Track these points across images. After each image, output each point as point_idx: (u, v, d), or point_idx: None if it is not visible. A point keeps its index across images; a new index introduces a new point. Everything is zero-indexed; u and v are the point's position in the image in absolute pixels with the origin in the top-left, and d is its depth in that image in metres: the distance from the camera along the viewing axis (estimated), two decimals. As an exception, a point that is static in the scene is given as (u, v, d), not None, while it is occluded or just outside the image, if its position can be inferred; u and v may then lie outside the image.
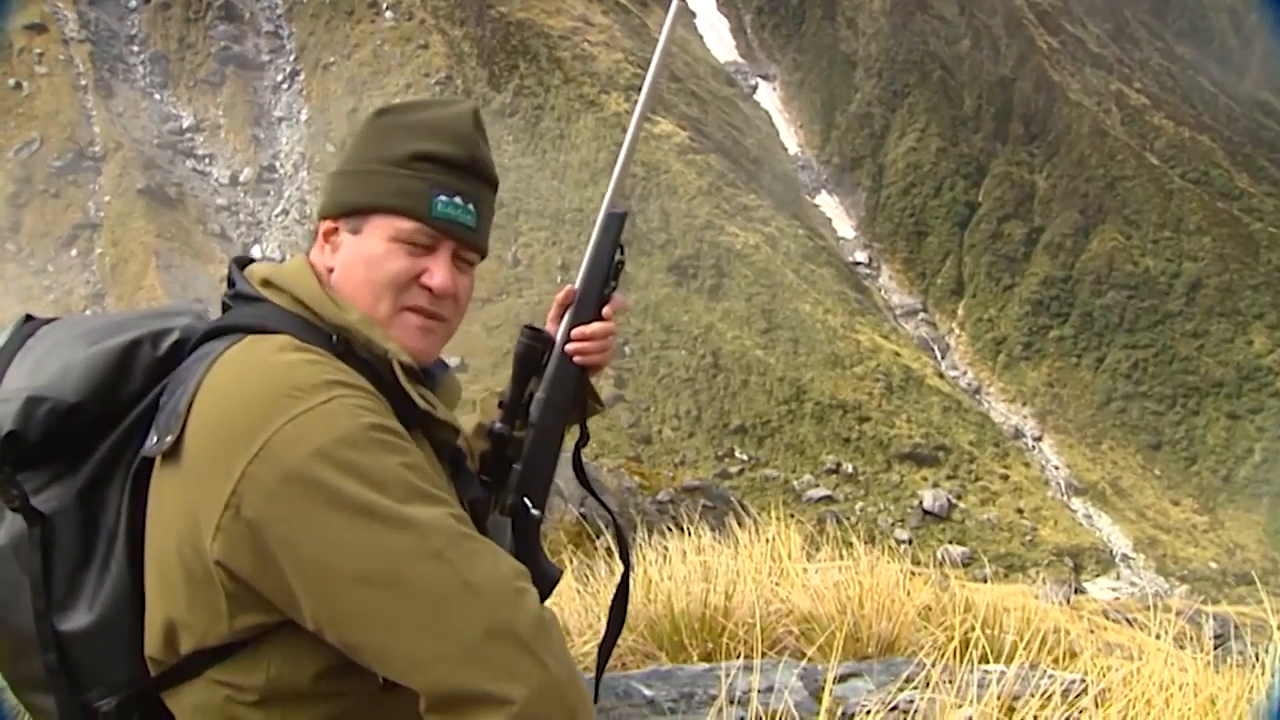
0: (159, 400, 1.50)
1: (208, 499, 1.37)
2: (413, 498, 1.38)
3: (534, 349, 1.77)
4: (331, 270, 1.60)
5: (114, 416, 1.50)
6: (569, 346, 1.78)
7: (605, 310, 1.80)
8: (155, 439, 1.44)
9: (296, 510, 1.34)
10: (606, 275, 1.80)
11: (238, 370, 1.44)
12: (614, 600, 1.91)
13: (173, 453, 1.41)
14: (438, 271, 1.60)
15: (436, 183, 1.59)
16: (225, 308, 1.61)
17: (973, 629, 2.99)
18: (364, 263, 1.58)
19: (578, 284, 1.80)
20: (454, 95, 63.62)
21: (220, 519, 1.36)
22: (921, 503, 52.04)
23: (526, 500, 1.73)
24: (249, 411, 1.38)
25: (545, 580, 1.72)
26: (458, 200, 1.60)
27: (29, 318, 1.61)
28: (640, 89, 1.92)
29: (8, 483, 1.45)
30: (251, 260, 1.64)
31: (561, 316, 1.81)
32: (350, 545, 1.34)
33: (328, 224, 1.62)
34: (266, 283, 1.57)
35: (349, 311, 1.54)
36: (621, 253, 1.82)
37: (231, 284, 1.61)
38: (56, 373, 1.49)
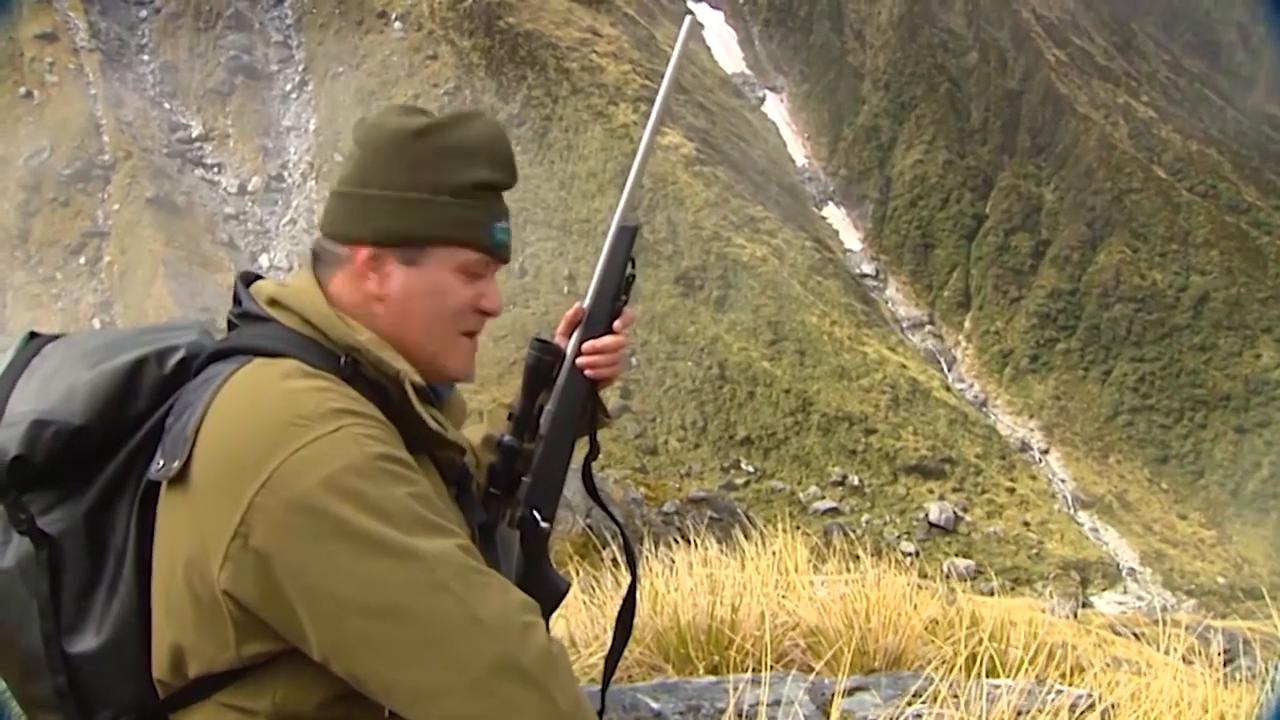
0: (165, 420, 1.49)
1: (215, 527, 1.37)
2: (419, 529, 1.37)
3: (544, 361, 1.77)
4: (379, 299, 1.57)
5: (120, 437, 1.49)
6: (580, 360, 1.77)
7: (616, 324, 1.80)
8: (161, 463, 1.43)
9: (304, 540, 1.34)
10: (618, 289, 1.80)
11: (245, 396, 1.43)
12: (620, 612, 1.91)
13: (179, 478, 1.40)
14: (492, 295, 1.62)
15: (493, 211, 1.60)
16: (230, 325, 1.59)
17: (980, 643, 2.98)
18: (429, 295, 1.58)
19: (588, 297, 1.80)
20: (465, 106, 63.80)
21: (228, 548, 1.36)
22: (927, 515, 51.94)
23: (536, 513, 1.72)
24: (257, 439, 1.38)
25: (553, 593, 1.73)
26: (506, 225, 1.62)
27: (33, 335, 1.59)
28: (652, 101, 1.94)
29: (15, 506, 1.45)
30: (258, 276, 1.63)
31: (570, 332, 1.80)
32: (356, 576, 1.33)
33: (371, 250, 1.57)
34: (273, 301, 1.55)
35: (359, 332, 1.53)
36: (633, 266, 1.81)
37: (238, 302, 1.59)
38: (62, 395, 1.48)
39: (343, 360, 1.50)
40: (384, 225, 1.56)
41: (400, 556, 1.34)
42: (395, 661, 1.33)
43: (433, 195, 1.56)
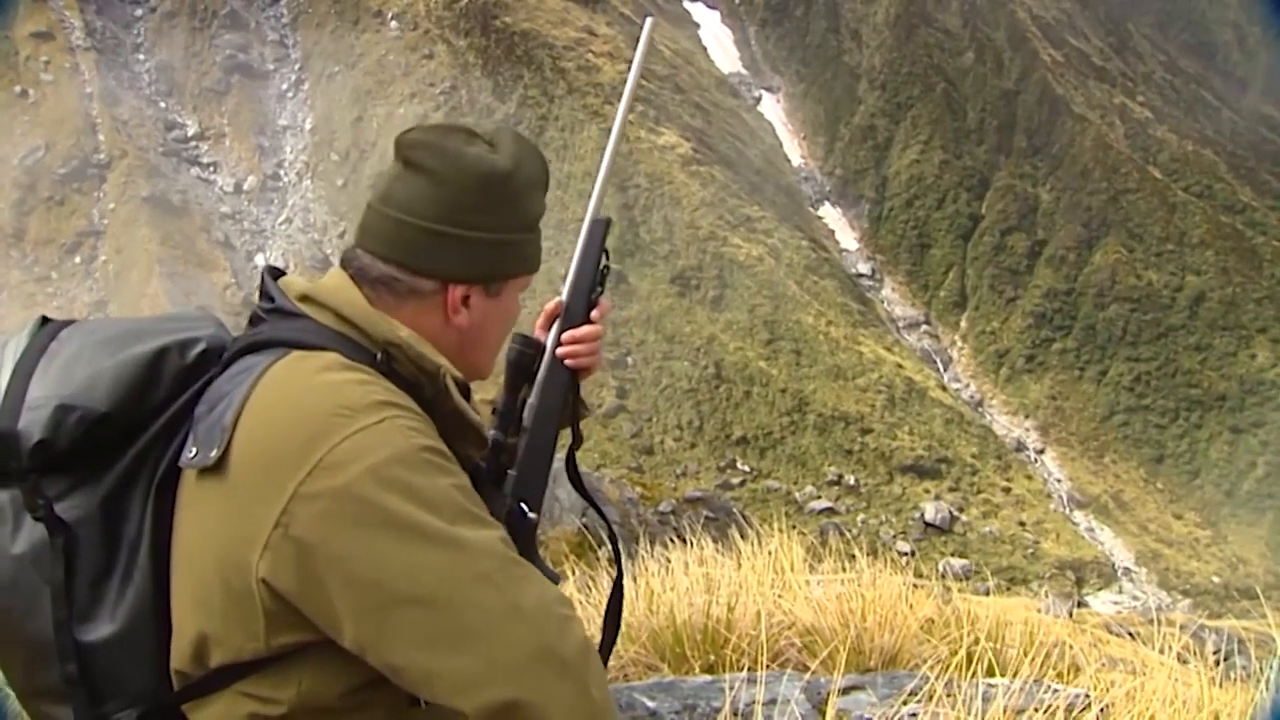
0: (190, 410, 1.49)
1: (256, 516, 1.37)
2: (463, 520, 1.39)
3: (526, 355, 1.80)
4: (460, 329, 1.63)
5: (139, 425, 1.49)
6: (560, 350, 1.80)
7: (593, 315, 1.83)
8: (195, 452, 1.43)
9: (348, 529, 1.35)
10: (593, 281, 1.84)
11: (287, 387, 1.44)
12: (609, 603, 1.92)
13: (215, 468, 1.40)
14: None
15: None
16: (256, 320, 1.59)
17: (976, 642, 2.98)
18: (503, 321, 1.69)
19: (565, 289, 1.84)
20: (461, 105, 63.82)
21: (269, 537, 1.36)
22: (923, 515, 51.99)
23: (523, 505, 1.73)
24: (300, 429, 1.39)
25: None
26: None
27: (45, 320, 1.58)
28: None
29: (33, 491, 1.44)
30: (282, 272, 1.63)
31: (549, 326, 1.83)
32: (401, 565, 1.34)
33: (466, 289, 1.62)
34: (305, 298, 1.56)
35: (398, 328, 1.55)
36: (607, 258, 1.86)
37: (268, 297, 1.59)
38: (85, 381, 1.47)
39: (378, 356, 1.51)
40: (483, 268, 1.62)
41: (445, 546, 1.36)
42: (437, 651, 1.34)
43: (522, 235, 1.65)
